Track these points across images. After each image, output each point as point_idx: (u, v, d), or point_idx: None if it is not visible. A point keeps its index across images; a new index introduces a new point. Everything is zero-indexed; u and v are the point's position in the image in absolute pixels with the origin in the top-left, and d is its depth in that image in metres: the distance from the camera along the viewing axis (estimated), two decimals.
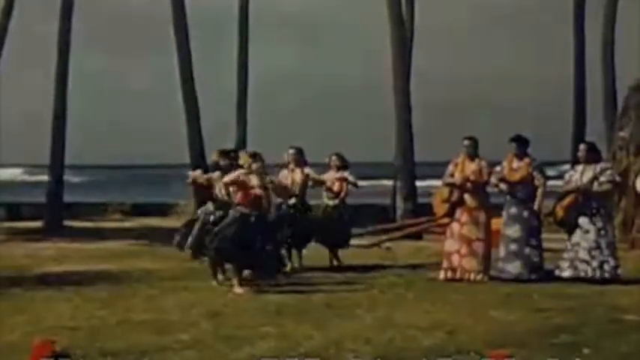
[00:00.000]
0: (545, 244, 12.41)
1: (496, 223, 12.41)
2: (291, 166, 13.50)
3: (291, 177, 13.44)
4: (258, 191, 11.27)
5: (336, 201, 13.80)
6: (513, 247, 12.12)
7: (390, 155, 22.49)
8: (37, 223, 22.25)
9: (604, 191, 12.01)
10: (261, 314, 9.57)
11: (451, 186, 12.34)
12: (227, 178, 11.38)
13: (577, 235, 11.89)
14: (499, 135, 13.47)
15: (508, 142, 12.31)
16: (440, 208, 12.52)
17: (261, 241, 11.15)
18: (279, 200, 13.08)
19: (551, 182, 12.35)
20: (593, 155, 12.12)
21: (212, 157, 12.43)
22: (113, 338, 8.36)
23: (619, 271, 11.82)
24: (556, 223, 12.21)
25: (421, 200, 20.75)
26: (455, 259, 12.25)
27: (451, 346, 7.97)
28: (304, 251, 13.60)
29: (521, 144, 12.28)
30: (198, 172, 12.69)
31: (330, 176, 13.81)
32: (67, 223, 22.56)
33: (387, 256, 15.52)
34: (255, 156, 11.50)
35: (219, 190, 11.91)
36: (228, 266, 11.72)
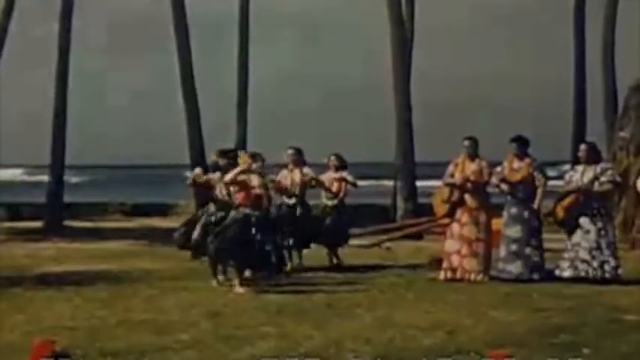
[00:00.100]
0: (545, 244, 12.40)
1: (496, 223, 12.40)
2: (290, 166, 13.52)
3: (290, 177, 13.46)
4: (258, 191, 11.28)
5: (335, 201, 13.80)
6: (514, 247, 12.12)
7: (390, 155, 22.49)
8: (37, 223, 22.24)
9: (604, 191, 12.01)
10: (262, 314, 9.57)
11: (451, 186, 12.33)
12: (227, 178, 11.39)
13: (577, 236, 11.89)
14: (499, 135, 13.50)
15: (509, 142, 12.31)
16: (440, 209, 12.51)
17: (261, 241, 11.15)
18: (279, 201, 13.09)
19: (551, 182, 12.34)
20: (593, 155, 12.12)
21: (211, 157, 12.44)
22: (113, 338, 8.36)
23: (619, 271, 11.81)
24: (556, 224, 12.20)
25: (421, 200, 20.77)
26: (455, 259, 12.25)
27: (451, 346, 7.97)
28: (304, 251, 13.61)
29: (521, 144, 12.28)
30: (198, 170, 12.69)
31: (328, 177, 13.82)
32: (67, 223, 22.56)
33: (387, 256, 15.52)
34: (255, 156, 11.51)
35: (219, 191, 11.91)
36: (229, 266, 11.73)
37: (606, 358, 7.65)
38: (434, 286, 11.78)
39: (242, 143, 23.60)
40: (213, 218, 11.84)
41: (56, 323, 9.12)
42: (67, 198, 23.75)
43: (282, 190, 13.26)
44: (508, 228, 12.22)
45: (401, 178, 21.75)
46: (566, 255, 11.97)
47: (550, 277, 11.91)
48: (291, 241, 13.20)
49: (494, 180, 12.24)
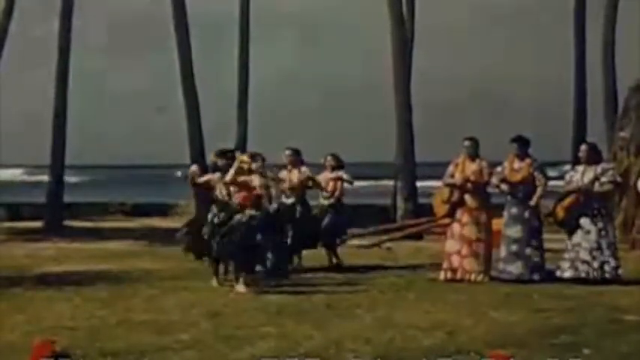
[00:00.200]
0: (546, 245, 12.40)
1: (497, 223, 12.40)
2: (289, 167, 13.55)
3: (288, 177, 13.48)
4: (259, 191, 11.29)
5: (332, 200, 13.82)
6: (514, 247, 12.11)
7: (390, 155, 22.48)
8: (37, 223, 22.23)
9: (605, 192, 12.01)
10: (262, 314, 9.57)
11: (452, 186, 12.33)
12: (227, 178, 11.40)
13: (578, 236, 11.88)
14: (499, 135, 13.48)
15: (509, 142, 12.30)
16: (440, 209, 12.51)
17: (264, 242, 11.17)
18: (279, 201, 13.08)
19: (551, 182, 12.34)
20: (594, 156, 12.11)
21: (210, 158, 12.44)
22: (113, 338, 8.36)
23: (620, 271, 11.81)
24: (557, 224, 12.20)
25: (422, 200, 20.75)
26: (455, 259, 12.24)
27: (451, 346, 7.97)
28: (304, 251, 13.60)
29: (522, 144, 12.27)
30: (194, 168, 12.64)
31: (324, 177, 13.86)
32: (67, 223, 22.55)
33: (387, 256, 15.52)
34: (255, 156, 11.51)
35: (219, 191, 11.91)
36: (231, 267, 11.74)
37: (606, 359, 7.65)
38: (434, 286, 11.78)
39: (242, 143, 23.59)
40: (216, 219, 11.84)
41: (56, 323, 9.12)
42: (67, 198, 23.73)
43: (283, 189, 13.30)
44: (508, 228, 12.22)
45: (401, 178, 21.74)
46: (566, 255, 11.96)
47: (550, 277, 11.91)
48: (289, 241, 13.20)
49: (494, 180, 12.23)
